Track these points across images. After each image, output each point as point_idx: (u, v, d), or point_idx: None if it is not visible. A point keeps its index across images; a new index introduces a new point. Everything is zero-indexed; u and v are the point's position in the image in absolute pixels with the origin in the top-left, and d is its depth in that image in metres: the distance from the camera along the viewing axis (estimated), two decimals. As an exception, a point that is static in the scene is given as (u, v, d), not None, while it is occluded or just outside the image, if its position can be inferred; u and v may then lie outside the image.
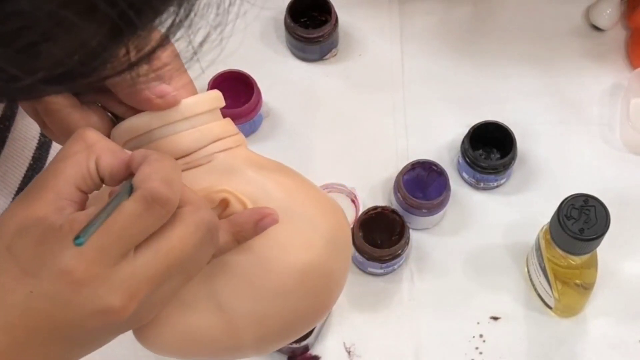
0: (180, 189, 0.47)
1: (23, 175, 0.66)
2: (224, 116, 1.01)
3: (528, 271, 0.91)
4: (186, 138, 0.54)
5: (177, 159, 0.53)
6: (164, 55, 0.49)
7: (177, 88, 0.54)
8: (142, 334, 0.53)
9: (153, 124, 0.53)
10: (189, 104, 0.54)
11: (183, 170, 0.52)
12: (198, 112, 0.54)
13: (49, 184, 0.46)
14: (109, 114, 0.56)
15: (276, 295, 0.53)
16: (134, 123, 0.53)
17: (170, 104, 0.53)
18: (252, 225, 0.50)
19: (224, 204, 0.52)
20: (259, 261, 0.52)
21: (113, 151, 0.48)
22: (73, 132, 0.49)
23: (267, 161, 0.57)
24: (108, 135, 0.54)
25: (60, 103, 0.53)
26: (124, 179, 0.48)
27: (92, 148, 0.47)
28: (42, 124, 0.56)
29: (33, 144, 0.67)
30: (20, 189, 0.65)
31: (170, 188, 0.45)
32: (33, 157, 0.67)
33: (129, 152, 0.48)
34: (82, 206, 0.47)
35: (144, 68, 0.42)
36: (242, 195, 0.52)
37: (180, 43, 0.47)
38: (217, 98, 0.56)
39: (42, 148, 0.68)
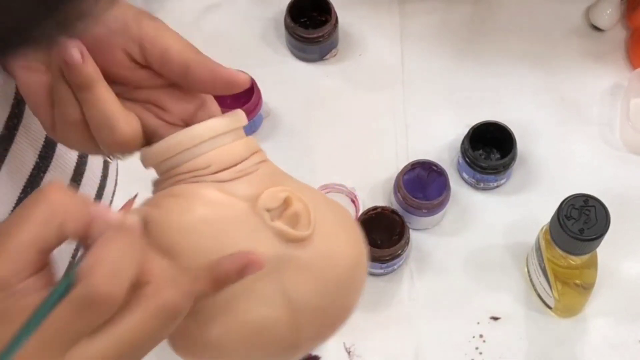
0: (129, 278, 0.44)
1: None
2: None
3: (528, 271, 0.91)
4: (237, 147, 0.54)
5: (228, 168, 0.53)
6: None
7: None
8: (197, 328, 0.52)
9: (185, 144, 0.53)
10: (214, 124, 0.54)
11: (235, 179, 0.53)
12: (226, 130, 0.55)
13: (9, 244, 0.45)
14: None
15: (337, 289, 0.54)
16: (167, 144, 0.54)
17: (246, 82, 0.55)
18: (237, 272, 0.49)
19: (287, 203, 0.52)
20: (324, 255, 0.53)
21: (77, 217, 0.46)
22: (108, 124, 0.51)
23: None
24: (140, 137, 0.54)
25: (105, 93, 0.53)
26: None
27: (56, 212, 0.45)
28: (50, 123, 0.56)
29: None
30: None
31: (114, 281, 0.43)
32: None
33: (93, 212, 0.47)
34: (42, 264, 0.46)
35: None
36: (300, 195, 0.53)
37: None
38: (242, 118, 0.56)
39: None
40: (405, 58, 1.04)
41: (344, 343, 0.89)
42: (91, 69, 0.52)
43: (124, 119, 0.53)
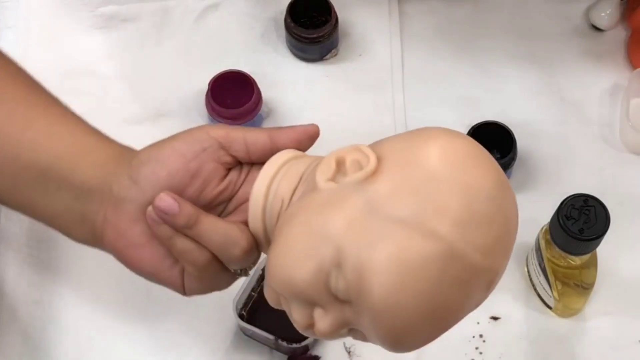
0: None
1: None
2: (224, 116, 1.01)
3: (528, 271, 0.91)
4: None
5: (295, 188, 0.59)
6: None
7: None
8: None
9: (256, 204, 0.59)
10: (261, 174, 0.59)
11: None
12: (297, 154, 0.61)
13: None
14: None
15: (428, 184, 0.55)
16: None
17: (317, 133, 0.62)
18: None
19: (339, 162, 0.57)
20: (402, 163, 0.55)
21: None
22: (231, 241, 0.58)
23: None
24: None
25: (211, 217, 0.59)
26: None
27: None
28: (180, 283, 0.61)
29: None
30: None
31: None
32: None
33: None
34: None
35: None
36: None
37: None
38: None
39: None
40: (405, 58, 1.03)
41: (344, 343, 0.89)
42: (189, 207, 0.57)
43: (237, 228, 0.58)
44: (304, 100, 1.01)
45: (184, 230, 0.57)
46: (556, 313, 0.90)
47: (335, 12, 1.00)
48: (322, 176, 0.55)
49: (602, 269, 0.86)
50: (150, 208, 0.57)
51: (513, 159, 0.94)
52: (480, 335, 0.90)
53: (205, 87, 0.96)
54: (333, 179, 0.55)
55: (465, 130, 0.95)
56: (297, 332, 0.83)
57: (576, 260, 0.84)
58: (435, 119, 1.00)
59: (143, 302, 0.90)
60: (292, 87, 1.02)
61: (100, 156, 0.62)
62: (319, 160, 0.58)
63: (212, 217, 0.58)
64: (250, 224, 0.59)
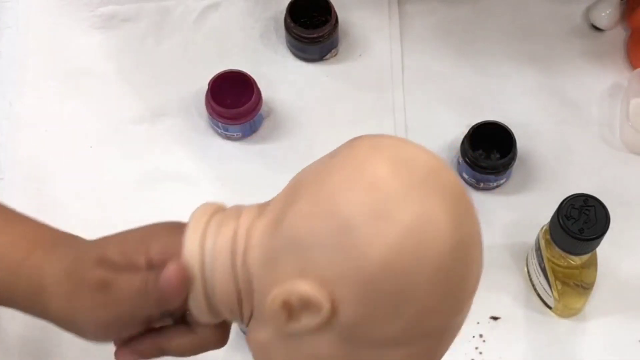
0: None
1: None
2: (225, 116, 1.01)
3: (528, 271, 0.91)
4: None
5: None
6: None
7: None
8: None
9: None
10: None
11: None
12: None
13: None
14: None
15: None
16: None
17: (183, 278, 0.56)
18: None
19: (286, 305, 0.53)
20: None
21: None
22: None
23: None
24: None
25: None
26: None
27: None
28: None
29: None
30: None
31: None
32: None
33: None
34: None
35: None
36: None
37: None
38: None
39: None
40: (405, 58, 1.03)
41: (344, 343, 0.89)
42: (147, 349, 0.61)
43: (204, 336, 0.60)
44: (304, 100, 1.01)
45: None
46: (556, 313, 0.90)
47: (335, 12, 1.00)
48: (279, 326, 0.53)
49: (602, 269, 0.86)
50: None
51: (513, 159, 0.94)
52: (480, 335, 0.90)
53: (205, 87, 0.96)
54: (287, 326, 0.52)
55: (465, 130, 0.95)
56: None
57: (576, 260, 0.84)
58: (435, 118, 1.00)
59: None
60: (292, 87, 1.02)
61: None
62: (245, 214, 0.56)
63: (174, 340, 0.59)
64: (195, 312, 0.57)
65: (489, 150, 0.96)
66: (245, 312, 0.55)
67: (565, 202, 0.80)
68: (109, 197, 0.96)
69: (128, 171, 0.97)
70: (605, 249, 0.83)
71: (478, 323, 0.90)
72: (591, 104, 1.02)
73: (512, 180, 0.97)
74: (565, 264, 0.85)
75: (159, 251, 0.56)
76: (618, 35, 1.05)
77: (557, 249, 0.83)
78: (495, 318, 0.91)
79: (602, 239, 0.80)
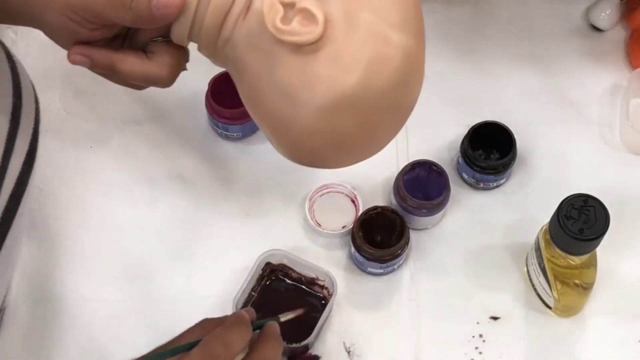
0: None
1: None
2: (224, 115, 1.01)
3: (528, 271, 0.91)
4: None
5: None
6: None
7: None
8: None
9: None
10: None
11: None
12: None
13: None
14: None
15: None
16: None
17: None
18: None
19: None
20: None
21: None
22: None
23: None
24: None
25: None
26: None
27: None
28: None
29: None
30: None
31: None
32: None
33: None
34: None
35: None
36: None
37: None
38: None
39: None
40: (405, 58, 1.03)
41: (343, 343, 0.89)
42: (101, 56, 0.64)
43: (155, 66, 0.65)
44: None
45: (107, 77, 0.62)
46: (556, 313, 0.90)
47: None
48: (272, 20, 0.58)
49: (602, 269, 0.86)
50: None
51: (513, 159, 0.94)
52: (480, 335, 0.90)
53: (205, 87, 0.96)
54: (282, 21, 0.58)
55: (465, 130, 0.95)
56: (297, 332, 0.84)
57: (576, 260, 0.84)
58: (435, 118, 1.00)
59: (143, 302, 0.90)
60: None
61: None
62: None
63: (128, 61, 0.62)
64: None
65: (489, 150, 0.96)
66: (224, 32, 0.61)
67: (565, 202, 0.81)
68: (109, 197, 0.96)
69: (128, 171, 0.97)
70: (605, 249, 0.83)
71: (478, 323, 0.90)
72: (591, 104, 1.02)
73: (512, 180, 0.97)
74: (565, 264, 0.85)
75: None
76: (618, 35, 1.05)
77: (556, 249, 0.83)
78: (495, 318, 0.91)
79: (601, 239, 0.80)
